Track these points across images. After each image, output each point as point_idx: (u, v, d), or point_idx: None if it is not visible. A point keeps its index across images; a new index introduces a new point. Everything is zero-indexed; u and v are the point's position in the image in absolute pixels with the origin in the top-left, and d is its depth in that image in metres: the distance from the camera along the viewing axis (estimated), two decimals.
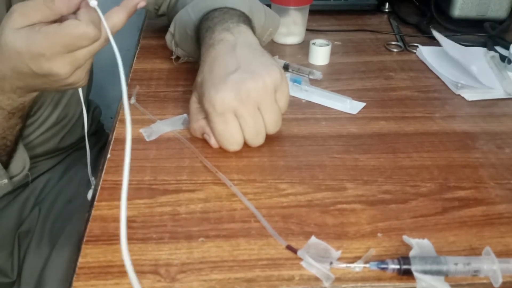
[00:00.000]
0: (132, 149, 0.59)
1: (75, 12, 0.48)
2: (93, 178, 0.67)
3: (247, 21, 0.64)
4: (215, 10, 0.64)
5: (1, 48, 0.49)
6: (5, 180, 0.60)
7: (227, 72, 0.55)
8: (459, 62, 0.79)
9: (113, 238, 0.47)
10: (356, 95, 0.71)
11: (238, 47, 0.58)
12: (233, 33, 0.60)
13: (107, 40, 0.50)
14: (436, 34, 0.83)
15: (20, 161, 0.63)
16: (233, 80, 0.55)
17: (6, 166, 0.61)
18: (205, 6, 0.66)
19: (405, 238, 0.47)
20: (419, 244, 0.46)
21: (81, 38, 0.48)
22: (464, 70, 0.79)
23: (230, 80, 0.55)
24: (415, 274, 0.43)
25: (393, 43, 0.91)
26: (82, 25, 0.47)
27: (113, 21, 0.51)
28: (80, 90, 0.57)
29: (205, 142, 0.60)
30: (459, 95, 0.73)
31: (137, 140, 0.61)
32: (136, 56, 0.83)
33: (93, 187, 0.51)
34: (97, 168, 0.60)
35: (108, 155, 0.58)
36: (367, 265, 0.44)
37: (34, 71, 0.50)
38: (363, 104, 0.70)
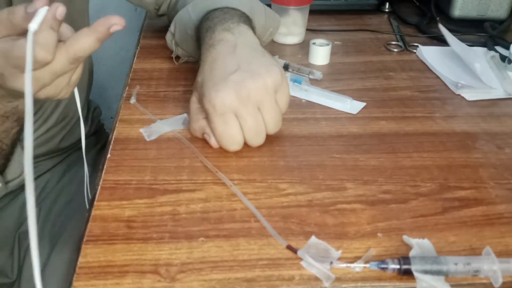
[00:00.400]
0: (132, 149, 0.60)
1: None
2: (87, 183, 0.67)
3: (248, 21, 0.64)
4: (215, 10, 0.64)
5: None
6: None
7: (228, 72, 0.55)
8: (463, 59, 0.79)
9: (113, 238, 0.47)
10: (356, 95, 0.71)
11: (238, 47, 0.58)
12: (234, 33, 0.60)
13: (75, 60, 0.48)
14: (442, 29, 0.82)
15: (18, 166, 0.62)
16: (234, 80, 0.55)
17: (2, 169, 0.61)
18: (205, 6, 0.66)
19: (405, 238, 0.47)
20: (419, 244, 0.46)
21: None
22: (464, 70, 0.79)
23: (230, 80, 0.55)
24: (415, 274, 0.43)
25: (393, 43, 0.91)
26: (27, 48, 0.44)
27: (79, 44, 0.47)
28: (76, 92, 0.55)
29: (205, 142, 0.60)
30: (459, 95, 0.73)
31: (137, 140, 0.61)
32: (136, 56, 0.83)
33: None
34: (97, 168, 0.60)
35: (108, 155, 0.58)
36: (367, 265, 0.44)
37: (3, 86, 0.49)
38: (363, 104, 0.70)
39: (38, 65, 0.46)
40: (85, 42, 0.47)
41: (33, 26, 0.44)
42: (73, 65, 0.48)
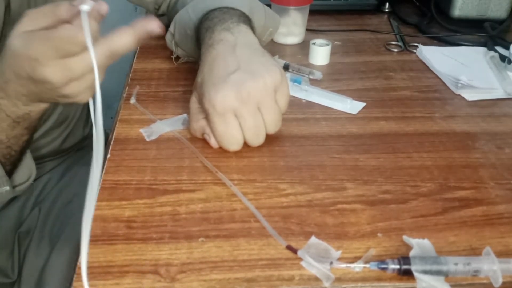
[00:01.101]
0: (132, 149, 0.60)
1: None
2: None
3: (247, 21, 0.64)
4: (215, 10, 0.64)
5: (6, 51, 0.49)
6: (7, 188, 0.59)
7: (227, 72, 0.55)
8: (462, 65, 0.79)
9: (113, 238, 0.47)
10: (356, 95, 0.71)
11: (238, 47, 0.58)
12: (233, 33, 0.60)
13: (111, 57, 0.48)
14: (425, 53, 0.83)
15: (26, 171, 0.62)
16: (233, 80, 0.55)
17: (10, 174, 0.61)
18: (205, 6, 0.66)
19: (405, 238, 0.47)
20: (419, 244, 0.46)
21: (70, 41, 0.46)
22: (464, 70, 0.79)
23: (230, 80, 0.55)
24: (415, 274, 0.43)
25: (393, 43, 0.91)
26: (72, 28, 0.46)
27: (120, 41, 0.48)
28: (91, 104, 0.55)
29: (205, 142, 0.60)
30: (459, 95, 0.73)
31: (137, 140, 0.61)
32: (136, 56, 0.83)
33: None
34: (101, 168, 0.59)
35: (108, 155, 0.58)
36: (367, 265, 0.44)
37: (30, 76, 0.49)
38: (363, 104, 0.70)
39: (79, 47, 0.46)
40: (126, 40, 0.48)
41: (85, 7, 0.45)
42: (107, 61, 0.48)
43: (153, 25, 0.48)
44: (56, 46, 0.47)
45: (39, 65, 0.48)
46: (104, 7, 0.47)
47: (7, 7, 0.66)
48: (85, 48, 0.46)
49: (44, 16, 0.48)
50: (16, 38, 0.48)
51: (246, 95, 0.54)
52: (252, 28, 0.64)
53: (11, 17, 0.66)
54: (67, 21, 0.47)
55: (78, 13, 0.46)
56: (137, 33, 0.48)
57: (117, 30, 0.48)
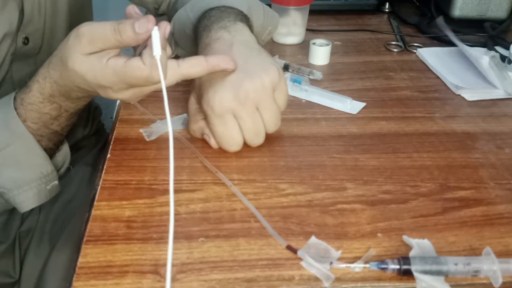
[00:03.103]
0: (132, 149, 0.60)
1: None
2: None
3: (245, 19, 0.64)
4: (212, 9, 0.64)
5: (68, 70, 0.51)
6: (56, 182, 0.60)
7: (225, 73, 0.55)
8: (468, 56, 0.78)
9: (113, 238, 0.47)
10: (356, 95, 0.71)
11: (235, 45, 0.58)
12: (230, 31, 0.60)
13: (179, 80, 0.52)
14: (445, 28, 0.82)
15: (62, 155, 0.64)
16: (231, 81, 0.55)
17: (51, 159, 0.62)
18: (203, 5, 0.66)
19: (405, 238, 0.47)
20: (419, 244, 0.46)
21: (145, 81, 0.50)
22: (464, 70, 0.79)
23: (228, 81, 0.55)
24: (415, 274, 0.43)
25: (393, 43, 0.91)
26: (146, 70, 0.49)
27: (194, 71, 0.52)
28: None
29: (205, 142, 0.60)
30: (459, 95, 0.73)
31: (137, 140, 0.61)
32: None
33: None
34: (97, 168, 0.60)
35: (108, 155, 0.58)
36: (367, 265, 0.44)
37: (102, 95, 0.53)
38: (363, 104, 0.70)
39: (153, 85, 0.51)
40: (198, 71, 0.52)
41: (157, 53, 0.47)
42: (177, 82, 0.52)
43: (229, 65, 0.53)
44: (130, 82, 0.51)
45: (112, 92, 0.52)
46: (168, 30, 0.49)
47: (21, 11, 0.66)
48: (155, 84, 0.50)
49: (104, 40, 0.49)
50: (81, 63, 0.50)
51: (244, 95, 0.54)
52: (250, 26, 0.64)
53: (23, 21, 0.67)
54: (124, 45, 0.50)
55: (143, 40, 0.48)
56: (210, 67, 0.52)
57: (192, 59, 0.52)
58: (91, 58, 0.50)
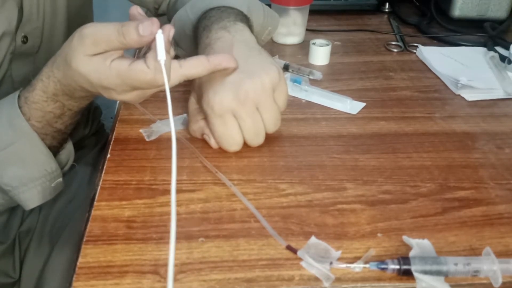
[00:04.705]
0: (132, 149, 0.60)
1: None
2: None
3: (245, 19, 0.64)
4: (212, 9, 0.64)
5: (72, 71, 0.52)
6: (60, 179, 0.61)
7: (225, 73, 0.55)
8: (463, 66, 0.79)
9: (113, 238, 0.47)
10: (356, 95, 0.71)
11: (235, 45, 0.58)
12: (230, 31, 0.60)
13: (181, 80, 0.52)
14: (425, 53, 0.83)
15: (66, 153, 0.64)
16: (231, 81, 0.55)
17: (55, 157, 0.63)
18: (203, 6, 0.66)
19: (405, 238, 0.47)
20: (419, 244, 0.46)
21: (149, 85, 0.50)
22: (464, 70, 0.79)
23: (228, 81, 0.55)
24: (415, 274, 0.43)
25: (393, 43, 0.91)
26: (150, 74, 0.49)
27: (195, 72, 0.52)
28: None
29: (205, 142, 0.60)
30: (459, 95, 0.73)
31: (137, 140, 0.61)
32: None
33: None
34: (97, 168, 0.60)
35: (108, 155, 0.58)
36: (367, 265, 0.44)
37: (105, 96, 0.54)
38: (363, 104, 0.70)
39: (156, 87, 0.51)
40: (200, 71, 0.52)
41: (162, 57, 0.47)
42: (180, 82, 0.52)
43: (231, 63, 0.53)
44: (133, 85, 0.51)
45: (115, 93, 0.53)
46: (172, 33, 0.49)
47: (20, 10, 0.66)
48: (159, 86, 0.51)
49: (107, 42, 0.49)
50: (85, 64, 0.51)
51: (244, 95, 0.54)
52: (250, 26, 0.64)
53: (22, 20, 0.67)
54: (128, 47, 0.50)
55: (147, 42, 0.48)
56: (212, 67, 0.52)
57: (194, 59, 0.52)
58: (95, 60, 0.50)
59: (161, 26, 0.48)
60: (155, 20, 0.48)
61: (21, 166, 0.57)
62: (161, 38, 0.47)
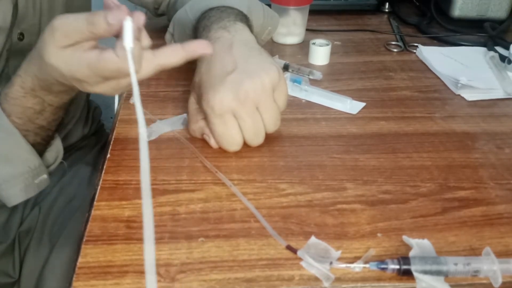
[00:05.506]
0: (132, 149, 0.60)
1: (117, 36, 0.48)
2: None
3: (244, 19, 0.64)
4: (212, 9, 0.64)
5: (45, 65, 0.51)
6: (45, 176, 0.60)
7: (225, 73, 0.55)
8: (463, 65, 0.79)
9: (113, 238, 0.47)
10: (356, 95, 0.71)
11: (235, 45, 0.58)
12: (230, 31, 0.60)
13: (156, 70, 0.50)
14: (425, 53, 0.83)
15: (54, 150, 0.64)
16: (231, 81, 0.54)
17: (42, 154, 0.63)
18: (202, 6, 0.66)
19: (405, 238, 0.47)
20: (419, 244, 0.46)
21: (119, 73, 0.49)
22: (464, 70, 0.79)
23: (228, 81, 0.55)
24: (415, 274, 0.43)
25: (393, 43, 0.91)
26: (119, 62, 0.47)
27: (169, 60, 0.50)
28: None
29: (204, 142, 0.60)
30: (459, 95, 0.73)
31: (137, 140, 0.60)
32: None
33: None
34: (97, 168, 0.60)
35: (108, 155, 0.58)
36: (367, 265, 0.44)
37: (79, 88, 0.52)
38: (363, 104, 0.70)
39: (127, 76, 0.48)
40: (175, 59, 0.50)
41: (129, 44, 0.46)
42: (155, 73, 0.51)
43: (205, 48, 0.51)
44: (103, 74, 0.49)
45: (88, 85, 0.51)
46: (141, 20, 0.47)
47: (15, 6, 0.66)
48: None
49: (77, 33, 0.48)
50: (56, 56, 0.50)
51: (244, 95, 0.54)
52: (250, 26, 0.64)
53: (17, 16, 0.67)
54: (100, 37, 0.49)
55: (117, 30, 0.47)
56: (187, 54, 0.50)
57: (168, 48, 0.50)
58: (66, 52, 0.49)
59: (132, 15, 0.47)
60: (123, 8, 0.47)
61: (3, 162, 0.57)
62: (129, 25, 0.46)
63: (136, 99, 0.44)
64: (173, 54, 0.50)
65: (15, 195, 0.58)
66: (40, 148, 0.61)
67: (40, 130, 0.59)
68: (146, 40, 0.50)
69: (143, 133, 0.43)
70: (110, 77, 0.50)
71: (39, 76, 0.54)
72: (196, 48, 0.51)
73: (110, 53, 0.48)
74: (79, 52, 0.49)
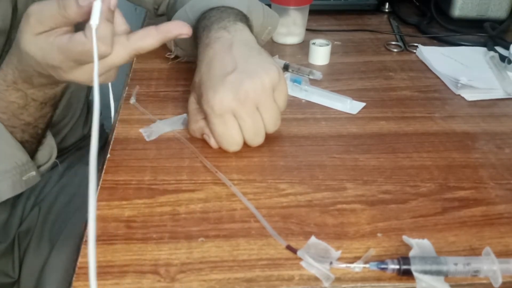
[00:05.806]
0: (132, 149, 0.60)
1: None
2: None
3: (244, 19, 0.64)
4: (212, 9, 0.64)
5: (22, 53, 0.51)
6: (33, 173, 0.60)
7: (225, 73, 0.55)
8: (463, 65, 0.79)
9: (113, 238, 0.47)
10: (356, 95, 0.71)
11: (235, 45, 0.58)
12: (230, 31, 0.60)
13: (135, 55, 0.50)
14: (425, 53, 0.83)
15: (47, 149, 0.64)
16: (231, 81, 0.54)
17: (33, 154, 0.62)
18: (202, 6, 0.66)
19: (405, 238, 0.47)
20: (419, 244, 0.46)
21: (89, 55, 0.47)
22: (464, 70, 0.79)
23: (228, 81, 0.55)
24: (415, 274, 0.43)
25: (393, 43, 0.91)
26: (87, 43, 0.46)
27: (144, 43, 0.50)
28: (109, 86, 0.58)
29: (204, 142, 0.60)
30: (459, 95, 0.73)
31: (137, 140, 0.61)
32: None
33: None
34: (97, 168, 0.59)
35: (108, 155, 0.58)
36: (367, 265, 0.44)
37: (54, 76, 0.52)
38: (363, 104, 0.70)
39: (98, 58, 0.47)
40: (150, 42, 0.50)
41: (94, 22, 0.45)
42: (131, 58, 0.50)
43: (183, 29, 0.50)
44: (75, 58, 0.49)
45: (63, 72, 0.51)
46: (113, 2, 0.47)
47: (14, 8, 0.66)
48: (101, 57, 0.48)
49: (53, 19, 0.48)
50: (30, 44, 0.49)
51: (244, 95, 0.54)
52: (250, 26, 0.64)
53: (17, 18, 0.67)
54: (74, 22, 0.48)
55: (88, 13, 0.46)
56: (161, 36, 0.50)
57: (142, 30, 0.50)
58: (40, 38, 0.49)
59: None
60: None
61: None
62: (98, 4, 0.45)
63: (95, 74, 0.43)
64: (148, 37, 0.50)
65: (3, 191, 0.58)
66: (31, 146, 0.61)
67: (26, 127, 0.59)
68: (123, 26, 0.50)
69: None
70: (81, 61, 0.49)
71: (18, 68, 0.54)
72: (170, 28, 0.50)
73: (80, 35, 0.47)
74: (52, 38, 0.48)
